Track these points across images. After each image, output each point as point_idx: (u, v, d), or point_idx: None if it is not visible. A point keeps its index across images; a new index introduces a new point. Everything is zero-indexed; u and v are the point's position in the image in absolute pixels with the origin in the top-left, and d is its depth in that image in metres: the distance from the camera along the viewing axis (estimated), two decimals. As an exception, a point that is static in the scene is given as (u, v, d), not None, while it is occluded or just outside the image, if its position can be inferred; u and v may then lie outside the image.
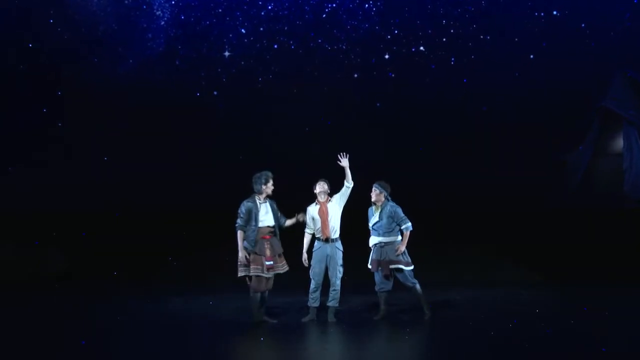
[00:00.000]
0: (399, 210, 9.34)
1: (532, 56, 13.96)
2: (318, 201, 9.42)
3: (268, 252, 8.92)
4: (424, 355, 7.74)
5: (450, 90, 14.13)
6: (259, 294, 8.89)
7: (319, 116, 14.19)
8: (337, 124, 14.05)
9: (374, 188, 9.43)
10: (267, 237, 9.01)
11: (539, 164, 13.86)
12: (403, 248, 9.29)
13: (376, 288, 9.39)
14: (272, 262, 8.92)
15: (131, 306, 10.64)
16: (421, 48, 14.19)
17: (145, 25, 14.23)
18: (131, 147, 13.92)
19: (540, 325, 8.69)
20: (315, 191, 9.45)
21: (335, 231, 9.40)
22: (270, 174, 9.16)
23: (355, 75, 14.34)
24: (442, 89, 14.11)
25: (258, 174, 9.11)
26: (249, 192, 9.24)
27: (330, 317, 9.31)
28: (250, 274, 8.89)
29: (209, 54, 14.34)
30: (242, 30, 14.28)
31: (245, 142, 14.00)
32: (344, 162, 9.35)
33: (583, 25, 13.79)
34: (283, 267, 9.13)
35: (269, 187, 9.09)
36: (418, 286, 9.35)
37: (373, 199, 9.42)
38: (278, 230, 9.21)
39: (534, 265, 13.06)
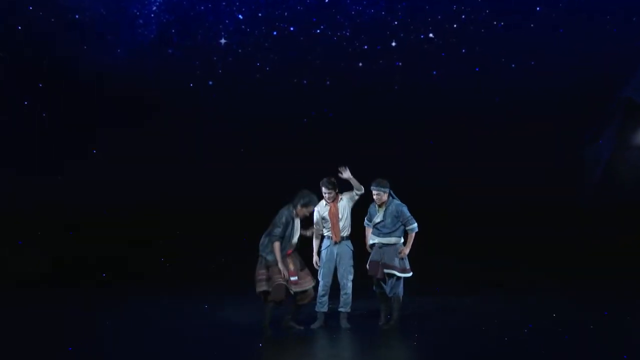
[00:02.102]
0: (405, 210, 9.07)
1: (548, 43, 13.88)
2: (327, 202, 9.36)
3: (292, 267, 8.78)
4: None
5: (461, 79, 14.05)
6: (271, 304, 8.71)
7: (321, 107, 14.14)
8: (340, 115, 14.02)
9: (374, 191, 9.09)
10: (290, 252, 8.89)
11: (556, 158, 13.78)
12: (407, 251, 9.02)
13: (376, 289, 9.26)
14: (296, 277, 8.77)
15: (122, 309, 10.59)
16: (430, 35, 14.14)
17: (135, 11, 14.20)
18: (121, 140, 13.89)
19: (558, 330, 8.63)
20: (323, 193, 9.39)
21: (346, 230, 9.35)
22: (316, 200, 8.99)
23: (360, 64, 14.27)
24: (452, 78, 14.04)
25: (306, 193, 8.89)
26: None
27: (344, 324, 9.16)
28: (273, 285, 8.67)
29: (203, 42, 14.30)
30: (239, 16, 14.24)
31: (243, 136, 13.96)
32: (346, 174, 9.20)
33: (603, 10, 13.71)
34: (310, 283, 8.94)
35: (303, 211, 8.89)
36: (400, 298, 9.01)
37: (377, 203, 9.12)
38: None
39: (549, 267, 13.00)
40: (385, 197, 9.07)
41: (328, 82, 14.22)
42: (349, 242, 9.31)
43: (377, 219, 9.14)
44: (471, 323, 9.33)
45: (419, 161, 13.68)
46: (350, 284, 9.28)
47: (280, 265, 8.66)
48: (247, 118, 13.92)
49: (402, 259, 9.01)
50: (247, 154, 14.08)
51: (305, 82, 14.23)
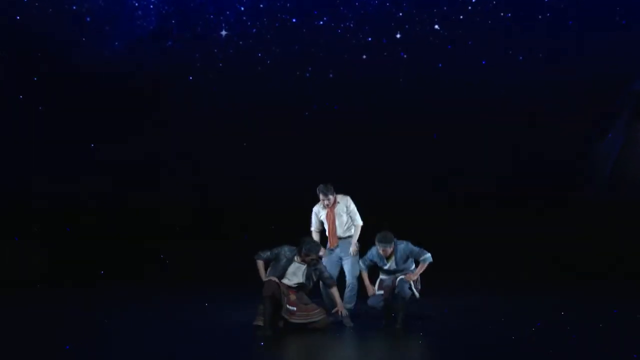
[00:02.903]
0: (412, 246, 9.02)
1: (557, 35, 13.82)
2: (324, 207, 9.31)
3: (292, 297, 8.78)
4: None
5: (468, 73, 13.96)
6: (268, 299, 8.66)
7: (324, 101, 14.11)
8: (344, 109, 13.99)
9: (380, 247, 8.95)
10: (293, 291, 8.87)
11: (563, 153, 13.73)
12: (414, 277, 8.98)
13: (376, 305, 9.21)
14: (294, 308, 8.74)
15: (121, 308, 10.59)
16: (436, 27, 14.06)
17: (134, 2, 14.16)
18: (119, 135, 13.88)
19: (566, 329, 8.59)
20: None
21: (348, 230, 9.33)
22: (317, 248, 8.91)
23: (364, 57, 14.20)
24: (458, 71, 13.95)
25: (308, 240, 8.90)
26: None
27: (347, 322, 9.08)
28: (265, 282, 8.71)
29: (204, 34, 14.26)
30: (241, 7, 14.18)
31: (244, 130, 13.94)
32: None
33: (613, 1, 13.64)
34: (318, 315, 8.84)
35: (307, 259, 8.82)
36: (406, 297, 8.94)
37: (384, 256, 9.03)
38: (307, 288, 9.01)
39: (557, 263, 12.97)
40: (391, 250, 9.00)
41: (331, 75, 14.18)
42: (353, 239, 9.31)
43: (390, 267, 9.10)
44: (477, 322, 9.31)
45: (423, 155, 13.62)
46: (355, 282, 9.28)
47: (264, 279, 8.69)
48: (249, 112, 13.88)
49: (410, 281, 8.97)
50: (249, 149, 14.05)
51: (307, 75, 14.19)
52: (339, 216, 9.30)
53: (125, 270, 13.33)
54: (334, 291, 9.03)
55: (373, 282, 9.23)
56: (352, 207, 9.44)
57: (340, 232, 9.33)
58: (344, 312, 9.01)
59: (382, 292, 9.13)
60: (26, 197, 13.67)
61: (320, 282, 9.14)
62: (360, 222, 9.48)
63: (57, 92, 13.71)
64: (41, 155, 13.75)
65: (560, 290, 11.84)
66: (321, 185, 9.27)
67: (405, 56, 14.17)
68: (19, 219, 13.61)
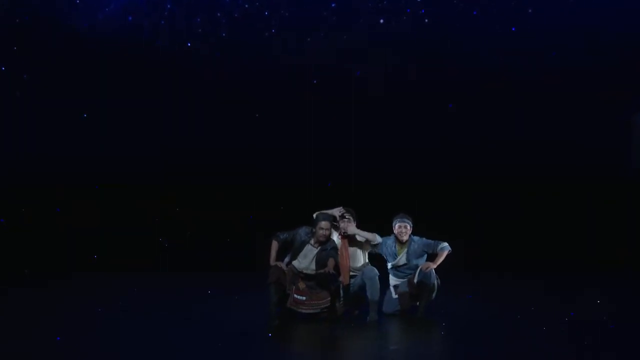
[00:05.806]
0: (427, 240, 8.95)
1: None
2: (340, 235, 9.00)
3: (302, 286, 8.71)
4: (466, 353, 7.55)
5: (495, 40, 13.85)
6: (272, 286, 8.62)
7: (337, 67, 13.98)
8: (359, 78, 13.89)
9: (400, 223, 8.93)
10: (302, 279, 8.79)
11: (598, 125, 13.59)
12: (434, 266, 8.78)
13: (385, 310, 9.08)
14: (304, 298, 8.69)
15: (121, 296, 10.49)
16: (460, -12, 13.96)
17: (130, -39, 14.09)
18: (114, 106, 13.81)
19: (602, 318, 8.49)
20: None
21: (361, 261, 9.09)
22: (324, 216, 8.72)
23: (382, 21, 14.09)
24: (484, 38, 13.84)
25: (316, 213, 8.79)
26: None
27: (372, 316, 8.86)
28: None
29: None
30: (246, -34, 14.10)
31: (248, 102, 13.86)
32: (350, 228, 8.87)
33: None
34: (324, 305, 8.73)
35: (317, 233, 8.70)
36: (429, 286, 8.76)
37: (401, 237, 8.94)
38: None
39: (592, 245, 12.92)
40: (410, 230, 8.96)
41: (345, 41, 14.02)
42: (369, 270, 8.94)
43: (399, 261, 9.00)
44: (503, 311, 9.25)
45: (441, 126, 13.64)
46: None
47: (272, 262, 8.66)
48: (255, 80, 13.79)
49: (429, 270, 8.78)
50: (257, 121, 13.98)
51: (319, 40, 14.03)
52: (352, 259, 9.07)
53: (123, 253, 13.28)
54: (329, 262, 8.73)
55: (384, 287, 9.10)
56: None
57: (352, 267, 9.10)
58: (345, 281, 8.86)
59: (397, 297, 9.06)
60: (12, 174, 13.59)
61: None
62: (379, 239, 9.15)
63: (47, 57, 13.63)
64: (30, 128, 13.68)
65: (592, 275, 11.78)
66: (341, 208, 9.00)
67: (426, 21, 14.01)
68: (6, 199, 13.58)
